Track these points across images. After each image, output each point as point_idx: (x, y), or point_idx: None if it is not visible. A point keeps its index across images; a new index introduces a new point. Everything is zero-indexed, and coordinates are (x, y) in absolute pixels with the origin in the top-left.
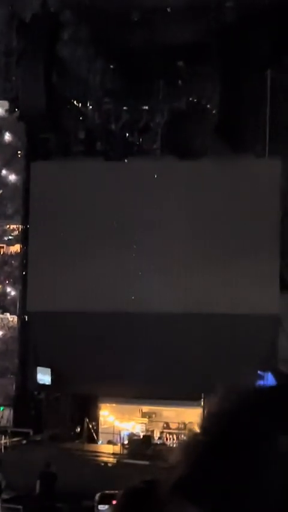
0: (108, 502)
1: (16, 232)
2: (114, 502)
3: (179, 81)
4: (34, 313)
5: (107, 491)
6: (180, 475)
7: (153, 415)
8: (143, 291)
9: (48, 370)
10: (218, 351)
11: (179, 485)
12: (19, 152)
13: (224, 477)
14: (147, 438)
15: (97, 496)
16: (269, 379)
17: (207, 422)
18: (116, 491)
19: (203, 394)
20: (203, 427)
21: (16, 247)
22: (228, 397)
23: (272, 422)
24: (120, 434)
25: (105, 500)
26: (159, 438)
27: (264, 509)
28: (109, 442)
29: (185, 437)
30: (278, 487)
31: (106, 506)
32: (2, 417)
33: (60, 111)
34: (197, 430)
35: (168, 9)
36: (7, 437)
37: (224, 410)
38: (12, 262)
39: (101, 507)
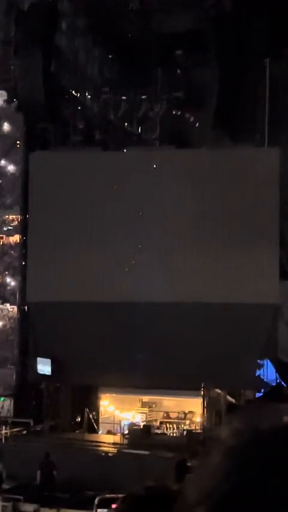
0: (107, 506)
1: (15, 223)
2: (113, 506)
3: (178, 70)
4: (34, 304)
5: (107, 495)
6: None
7: (154, 405)
8: (143, 281)
9: (48, 361)
10: (218, 340)
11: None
12: (18, 142)
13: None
14: (147, 428)
15: (96, 499)
16: (268, 368)
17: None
18: (115, 495)
19: (202, 384)
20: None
21: (15, 238)
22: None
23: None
24: (120, 424)
25: (104, 504)
26: (159, 428)
27: None
28: (108, 433)
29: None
30: None
31: (105, 510)
32: (2, 407)
33: (59, 100)
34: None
35: None
36: (8, 428)
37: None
38: (12, 252)
39: (100, 511)
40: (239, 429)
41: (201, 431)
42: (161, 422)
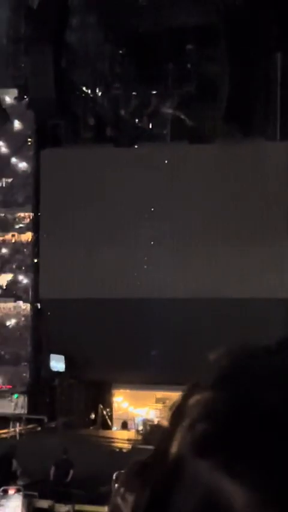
0: None
1: (27, 221)
2: None
3: (188, 65)
4: (46, 301)
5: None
6: (207, 434)
7: (167, 401)
8: (156, 277)
9: (62, 357)
10: (231, 335)
11: (208, 448)
12: (29, 140)
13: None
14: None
15: (114, 475)
16: None
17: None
18: None
19: None
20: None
21: (27, 236)
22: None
23: None
24: (134, 420)
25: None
26: None
27: None
28: (123, 423)
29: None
30: None
31: None
32: (16, 404)
33: (70, 97)
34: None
35: None
36: (22, 425)
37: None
38: (24, 250)
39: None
40: (230, 350)
41: None
42: None
